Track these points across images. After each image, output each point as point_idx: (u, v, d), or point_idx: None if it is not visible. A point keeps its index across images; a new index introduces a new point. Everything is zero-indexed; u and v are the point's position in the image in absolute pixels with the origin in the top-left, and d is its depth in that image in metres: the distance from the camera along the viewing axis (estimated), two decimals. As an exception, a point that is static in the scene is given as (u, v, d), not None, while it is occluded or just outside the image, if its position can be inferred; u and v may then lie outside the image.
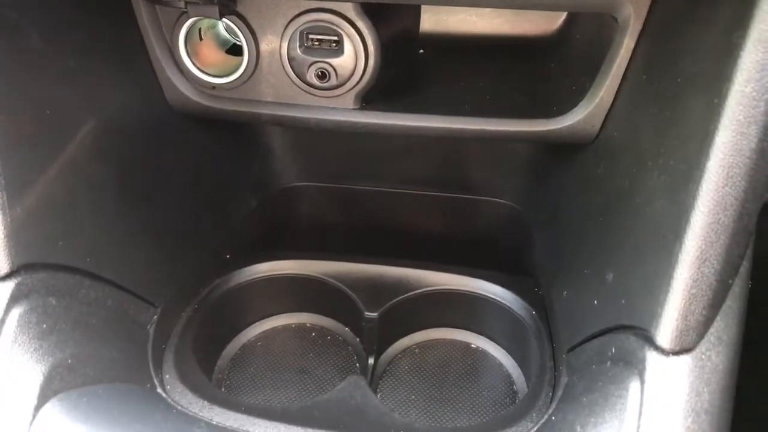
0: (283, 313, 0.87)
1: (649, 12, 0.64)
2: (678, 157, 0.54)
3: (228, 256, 0.85)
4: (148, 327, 0.70)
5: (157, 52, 0.74)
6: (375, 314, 0.79)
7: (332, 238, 0.98)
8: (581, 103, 0.71)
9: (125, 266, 0.69)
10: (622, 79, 0.68)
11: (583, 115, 0.71)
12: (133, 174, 0.72)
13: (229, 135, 0.89)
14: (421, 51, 0.87)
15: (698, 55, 0.54)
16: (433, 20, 0.90)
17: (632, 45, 0.66)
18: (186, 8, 0.70)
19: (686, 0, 0.58)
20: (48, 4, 0.63)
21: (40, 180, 0.61)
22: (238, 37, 0.74)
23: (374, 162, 0.96)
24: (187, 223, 0.81)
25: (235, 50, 0.78)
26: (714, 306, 0.53)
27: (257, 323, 0.86)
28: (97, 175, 0.67)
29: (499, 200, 0.96)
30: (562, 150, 0.79)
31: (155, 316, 0.71)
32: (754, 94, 0.47)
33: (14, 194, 0.58)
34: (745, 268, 0.56)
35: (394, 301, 0.80)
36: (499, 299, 0.80)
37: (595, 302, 0.64)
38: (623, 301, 0.59)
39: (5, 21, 0.59)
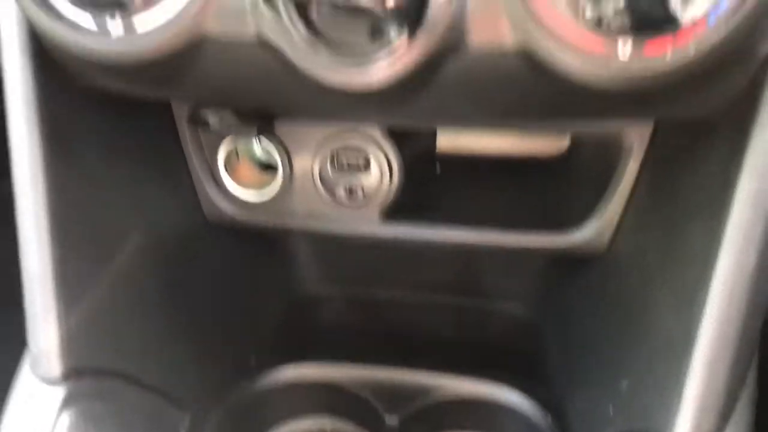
0: (305, 416, 0.90)
1: (651, 140, 0.70)
2: (683, 277, 0.59)
3: (253, 361, 0.89)
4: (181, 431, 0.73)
5: (198, 170, 0.81)
6: (395, 420, 0.82)
7: (353, 343, 1.01)
8: (590, 220, 0.76)
9: (162, 371, 0.72)
10: (628, 200, 0.73)
11: (592, 232, 0.76)
12: (172, 282, 0.77)
13: (257, 243, 0.95)
14: (438, 167, 0.93)
15: (698, 183, 0.60)
16: (448, 139, 0.97)
17: (636, 169, 0.72)
18: (227, 131, 0.76)
19: (685, 131, 0.64)
20: (103, 129, 0.70)
21: (91, 289, 0.65)
22: (273, 156, 0.81)
23: (395, 269, 1.01)
24: (216, 329, 0.85)
25: (268, 167, 0.84)
26: (724, 414, 0.56)
27: (280, 427, 0.89)
28: (141, 283, 0.72)
29: (513, 306, 1.00)
30: (573, 261, 0.84)
31: (187, 421, 0.74)
32: (751, 221, 0.53)
33: (68, 303, 0.63)
34: (752, 376, 0.60)
35: (415, 407, 0.83)
36: (516, 406, 0.83)
37: (611, 409, 0.67)
38: (638, 407, 0.62)
39: (65, 142, 0.65)
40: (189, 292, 0.80)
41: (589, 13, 0.46)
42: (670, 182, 0.67)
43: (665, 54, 0.47)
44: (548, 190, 0.84)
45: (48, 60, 0.60)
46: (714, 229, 0.55)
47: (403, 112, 0.60)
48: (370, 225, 0.81)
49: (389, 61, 0.49)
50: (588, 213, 0.77)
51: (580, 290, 0.84)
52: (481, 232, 0.80)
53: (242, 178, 0.83)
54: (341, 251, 1.02)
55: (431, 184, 0.86)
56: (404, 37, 0.49)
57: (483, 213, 0.81)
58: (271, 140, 0.79)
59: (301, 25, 0.50)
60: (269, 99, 0.62)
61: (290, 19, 0.50)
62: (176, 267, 0.78)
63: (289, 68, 0.52)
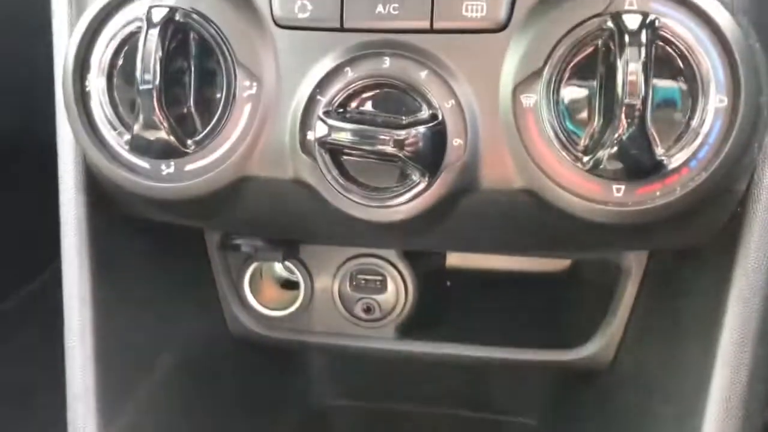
0: None
1: (648, 263, 0.76)
2: (682, 390, 0.63)
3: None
4: None
5: (225, 290, 0.86)
6: None
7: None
8: (594, 337, 0.81)
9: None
10: (629, 318, 0.79)
11: (596, 349, 0.81)
12: (197, 394, 0.81)
13: (276, 357, 0.99)
14: (449, 284, 0.99)
15: (692, 304, 0.66)
16: (458, 256, 1.03)
17: (635, 289, 0.78)
18: (254, 254, 0.83)
19: (678, 256, 0.70)
20: (142, 255, 0.76)
21: (127, 406, 0.70)
22: (295, 275, 0.86)
23: (408, 384, 1.05)
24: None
25: (288, 285, 0.90)
26: None
27: None
28: (171, 398, 0.76)
29: (521, 419, 1.04)
30: (579, 376, 0.88)
31: None
32: (741, 341, 0.58)
33: (107, 420, 0.67)
34: None
35: None
36: None
37: None
38: None
39: (109, 267, 0.70)
40: (214, 404, 0.84)
41: (586, 160, 0.53)
42: (666, 303, 0.72)
43: (655, 195, 0.53)
44: (554, 308, 0.89)
45: (98, 192, 0.67)
46: (709, 348, 0.60)
47: (420, 240, 0.66)
48: (386, 341, 0.86)
49: (412, 201, 0.56)
50: (592, 330, 0.82)
51: (586, 404, 0.87)
52: (491, 349, 0.85)
53: (265, 296, 0.88)
54: (356, 365, 1.06)
55: (443, 301, 0.91)
56: (425, 180, 0.56)
57: (492, 330, 0.86)
58: (293, 262, 0.85)
59: (334, 169, 0.57)
60: (300, 230, 0.69)
61: (325, 164, 0.57)
62: (202, 381, 0.82)
63: (321, 205, 0.58)
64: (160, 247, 0.76)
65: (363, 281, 0.85)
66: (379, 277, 0.84)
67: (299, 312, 0.87)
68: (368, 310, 0.85)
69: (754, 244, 0.58)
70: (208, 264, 0.85)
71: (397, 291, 0.84)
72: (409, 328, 0.87)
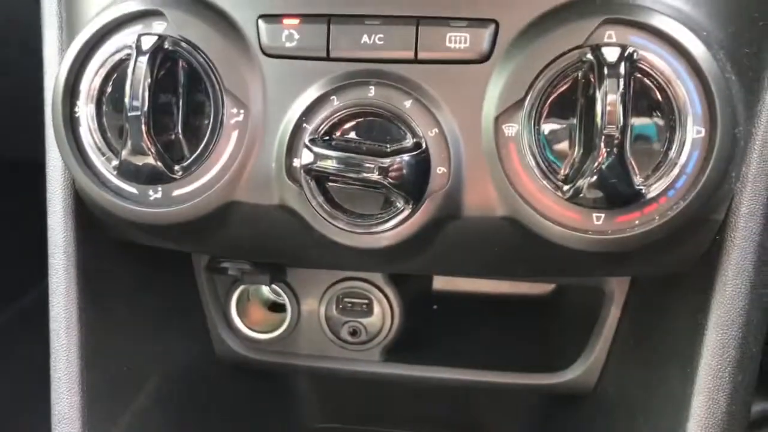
0: None
1: (630, 287, 0.77)
2: (663, 414, 0.64)
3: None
4: None
5: (213, 313, 0.87)
6: None
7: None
8: (578, 360, 0.82)
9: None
10: (612, 342, 0.80)
11: (580, 372, 0.82)
12: (183, 417, 0.81)
13: (261, 378, 0.99)
14: (435, 307, 1.00)
15: (673, 330, 0.67)
16: (444, 280, 1.04)
17: (618, 313, 0.79)
18: (241, 277, 0.83)
19: (660, 282, 0.71)
20: (129, 278, 0.76)
21: (113, 428, 0.70)
22: (282, 298, 0.87)
23: (393, 405, 1.05)
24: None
25: (275, 307, 0.90)
26: None
27: None
28: (157, 422, 0.76)
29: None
30: (564, 399, 0.89)
31: None
32: (719, 368, 0.59)
33: (93, 441, 0.67)
34: None
35: None
36: None
37: None
38: None
39: (96, 292, 0.70)
40: (200, 427, 0.84)
41: (566, 189, 0.54)
42: (648, 327, 0.73)
43: (634, 223, 0.54)
44: (538, 331, 0.90)
45: (86, 215, 0.67)
46: (688, 374, 0.61)
47: (405, 265, 0.67)
48: (372, 364, 0.87)
49: (397, 228, 0.57)
50: (575, 354, 0.83)
51: (571, 426, 0.88)
52: (475, 372, 0.85)
53: (252, 318, 0.89)
54: (341, 388, 1.06)
55: (428, 324, 0.92)
56: (410, 207, 0.56)
57: (477, 353, 0.87)
58: (280, 285, 0.86)
59: (320, 196, 0.57)
60: (286, 255, 0.70)
61: (310, 190, 0.57)
62: (189, 404, 0.82)
63: (307, 231, 0.59)
64: (148, 270, 0.77)
65: (349, 304, 0.86)
66: (366, 301, 0.85)
67: (286, 335, 0.87)
68: (354, 333, 0.86)
69: (732, 272, 0.59)
70: (195, 287, 0.85)
71: (383, 314, 0.85)
72: (395, 351, 0.87)
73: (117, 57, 0.60)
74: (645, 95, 0.54)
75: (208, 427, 0.86)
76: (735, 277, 0.59)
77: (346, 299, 0.85)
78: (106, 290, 0.71)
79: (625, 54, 0.52)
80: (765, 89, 0.58)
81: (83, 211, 0.67)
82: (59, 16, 0.67)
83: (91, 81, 0.60)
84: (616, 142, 0.52)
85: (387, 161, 0.55)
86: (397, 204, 0.57)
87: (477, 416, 1.05)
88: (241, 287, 0.87)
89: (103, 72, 0.60)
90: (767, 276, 0.60)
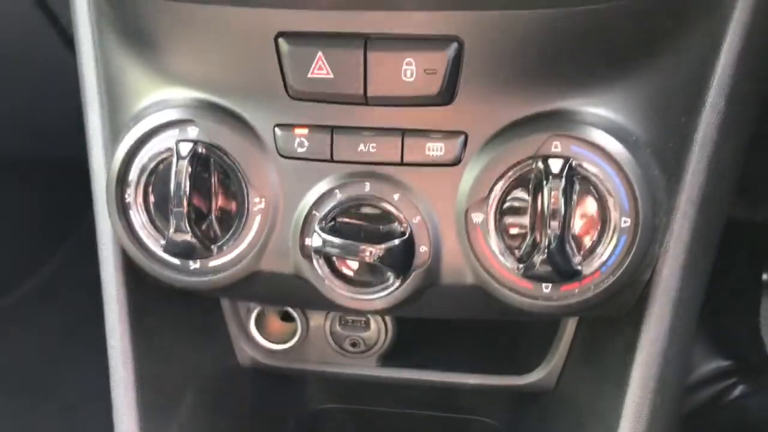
0: None
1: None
2: (602, 417, 0.80)
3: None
4: None
5: (235, 328, 1.02)
6: None
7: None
8: (540, 365, 0.99)
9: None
10: (568, 352, 0.96)
11: (542, 375, 0.99)
12: (217, 418, 0.98)
13: (276, 379, 1.16)
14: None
15: (612, 351, 0.82)
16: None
17: (573, 329, 0.95)
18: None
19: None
20: (168, 314, 0.91)
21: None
22: (293, 314, 1.03)
23: (388, 390, 1.22)
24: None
25: (288, 316, 1.06)
26: None
27: None
28: (198, 427, 0.92)
29: (486, 420, 1.22)
30: (528, 396, 1.06)
31: None
32: (642, 395, 0.75)
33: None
34: None
35: None
36: None
37: None
38: None
39: (143, 327, 0.85)
40: (229, 422, 1.01)
41: (520, 267, 0.69)
42: (595, 345, 0.90)
43: (574, 292, 0.70)
44: (508, 341, 1.06)
45: (134, 271, 0.82)
46: (620, 395, 0.77)
47: (395, 313, 0.82)
48: (370, 369, 1.04)
49: (388, 296, 0.72)
50: (539, 360, 0.99)
51: (537, 418, 1.05)
52: (454, 375, 1.02)
53: (269, 331, 1.04)
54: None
55: (416, 335, 1.08)
56: (398, 279, 0.72)
57: (456, 358, 1.04)
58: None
59: (326, 269, 0.72)
60: (300, 304, 0.85)
61: (319, 266, 0.72)
62: (218, 408, 0.99)
63: (316, 293, 0.74)
64: (182, 303, 0.92)
65: (350, 321, 1.01)
66: (364, 318, 1.01)
67: (297, 346, 1.03)
68: (354, 344, 1.02)
69: (654, 321, 0.74)
70: (220, 309, 1.01)
71: (378, 329, 1.01)
72: (388, 358, 1.04)
73: (160, 155, 0.73)
74: (583, 193, 0.68)
75: (235, 421, 1.02)
76: (657, 325, 0.74)
77: (347, 317, 1.01)
78: (151, 324, 0.87)
79: (567, 164, 0.66)
80: (686, 171, 0.72)
81: (131, 267, 0.81)
82: (101, 101, 0.80)
83: (138, 173, 0.74)
84: (558, 232, 0.66)
85: (381, 247, 0.69)
86: (389, 276, 0.72)
87: (460, 401, 1.22)
88: (259, 308, 1.02)
89: (148, 166, 0.74)
90: (686, 321, 0.76)
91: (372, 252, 0.70)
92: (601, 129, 0.68)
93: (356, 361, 1.04)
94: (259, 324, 1.04)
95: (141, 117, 0.74)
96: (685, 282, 0.75)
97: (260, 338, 1.03)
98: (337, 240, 0.70)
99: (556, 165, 0.67)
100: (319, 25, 0.66)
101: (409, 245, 0.71)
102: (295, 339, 1.03)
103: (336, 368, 1.05)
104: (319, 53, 0.66)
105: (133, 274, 0.82)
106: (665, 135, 0.71)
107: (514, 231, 0.70)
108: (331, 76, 0.67)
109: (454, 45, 0.65)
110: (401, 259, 0.71)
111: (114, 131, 0.78)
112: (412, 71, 0.66)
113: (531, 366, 1.00)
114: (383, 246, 0.70)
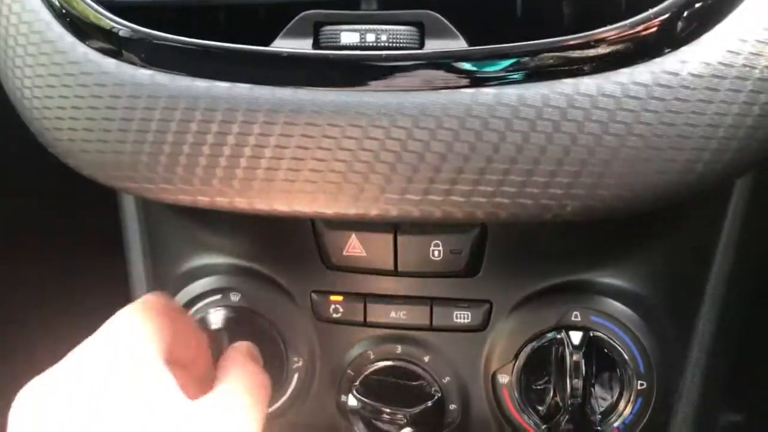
0: None
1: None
2: None
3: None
4: None
5: None
6: None
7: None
8: None
9: None
10: None
11: None
12: None
13: None
14: None
15: None
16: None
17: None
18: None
19: None
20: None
21: None
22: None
23: None
24: None
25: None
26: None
27: None
28: None
29: None
30: None
31: None
32: None
33: None
34: None
35: None
36: None
37: None
38: None
39: None
40: None
41: (544, 427, 0.74)
42: None
43: None
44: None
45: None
46: None
47: None
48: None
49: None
50: None
51: None
52: None
53: None
54: None
55: None
56: (432, 439, 0.77)
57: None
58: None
59: (361, 425, 0.77)
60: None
61: (354, 421, 0.77)
62: None
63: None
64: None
65: None
66: None
67: None
68: None
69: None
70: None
71: None
72: None
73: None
74: (601, 360, 0.73)
75: None
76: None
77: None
78: None
79: (587, 336, 0.71)
80: (698, 321, 0.77)
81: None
82: (143, 250, 0.86)
83: (185, 334, 0.79)
84: (579, 396, 0.71)
85: (414, 411, 0.74)
86: (423, 433, 0.77)
87: None
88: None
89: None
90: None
91: (406, 415, 0.74)
92: (617, 299, 0.73)
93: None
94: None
95: (185, 278, 0.80)
96: (699, 416, 0.79)
97: None
98: (373, 404, 0.75)
99: (576, 335, 0.71)
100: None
101: (440, 405, 0.76)
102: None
103: None
104: (353, 235, 0.72)
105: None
106: (676, 294, 0.76)
107: (538, 391, 0.75)
108: (365, 254, 0.72)
109: (477, 229, 0.70)
110: (432, 419, 0.76)
111: (158, 284, 0.84)
112: (439, 251, 0.71)
113: None
114: (416, 410, 0.75)
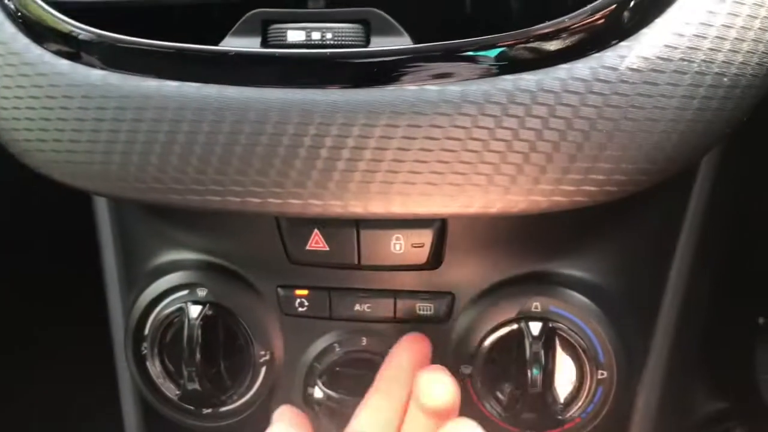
0: None
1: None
2: None
3: None
4: None
5: None
6: None
7: None
8: None
9: None
10: None
11: None
12: None
13: None
14: None
15: None
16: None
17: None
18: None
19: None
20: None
21: None
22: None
23: None
24: None
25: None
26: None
27: None
28: None
29: None
30: None
31: None
32: None
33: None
34: None
35: None
36: None
37: None
38: None
39: None
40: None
41: (506, 415, 0.75)
42: None
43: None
44: None
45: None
46: None
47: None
48: None
49: (386, 442, 0.78)
50: None
51: None
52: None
53: None
54: None
55: None
56: (395, 426, 0.78)
57: None
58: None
59: (327, 417, 0.78)
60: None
61: (321, 413, 0.78)
62: None
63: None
64: None
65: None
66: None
67: None
68: None
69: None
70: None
71: None
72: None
73: (173, 315, 0.79)
74: (563, 348, 0.74)
75: None
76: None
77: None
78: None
79: (547, 326, 0.72)
80: (660, 310, 0.78)
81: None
82: (115, 248, 0.87)
83: (153, 330, 0.80)
84: (539, 385, 0.72)
85: (378, 400, 0.75)
86: (386, 421, 0.78)
87: None
88: None
89: (162, 323, 0.80)
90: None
91: (370, 404, 0.75)
92: (577, 289, 0.74)
93: None
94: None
95: (155, 274, 0.81)
96: (663, 406, 0.80)
97: None
98: (337, 395, 0.76)
99: (536, 325, 0.73)
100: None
101: (405, 396, 0.77)
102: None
103: None
104: (316, 230, 0.73)
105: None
106: (638, 285, 0.77)
107: (500, 381, 0.76)
108: (327, 249, 0.73)
109: (439, 222, 0.71)
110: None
111: (129, 280, 0.85)
112: (401, 245, 0.72)
113: None
114: (382, 398, 0.76)
